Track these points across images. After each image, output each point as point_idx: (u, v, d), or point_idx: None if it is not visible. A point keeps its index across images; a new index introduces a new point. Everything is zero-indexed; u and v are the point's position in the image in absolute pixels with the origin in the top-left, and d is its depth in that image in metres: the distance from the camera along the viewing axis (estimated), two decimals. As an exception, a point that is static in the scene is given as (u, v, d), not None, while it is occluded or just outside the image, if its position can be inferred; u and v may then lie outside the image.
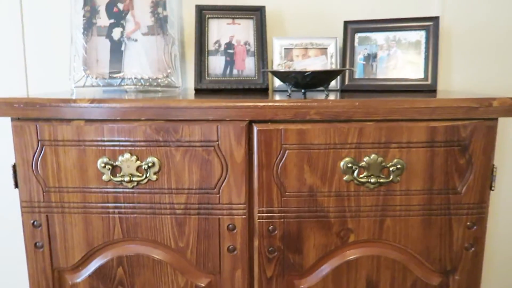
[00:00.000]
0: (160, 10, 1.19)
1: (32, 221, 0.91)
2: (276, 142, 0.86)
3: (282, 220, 0.90)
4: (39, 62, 1.34)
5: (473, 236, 0.91)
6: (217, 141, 0.87)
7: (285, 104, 0.85)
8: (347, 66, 1.19)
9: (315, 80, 0.94)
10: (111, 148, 0.88)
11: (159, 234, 0.91)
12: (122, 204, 0.90)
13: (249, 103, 0.85)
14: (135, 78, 1.16)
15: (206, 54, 1.22)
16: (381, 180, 0.87)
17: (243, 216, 0.90)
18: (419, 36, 1.15)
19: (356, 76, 1.19)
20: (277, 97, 0.96)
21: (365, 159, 0.87)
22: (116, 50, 1.16)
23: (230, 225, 0.90)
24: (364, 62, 1.19)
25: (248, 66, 1.22)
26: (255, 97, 0.94)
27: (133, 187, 0.89)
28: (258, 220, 0.90)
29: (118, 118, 0.86)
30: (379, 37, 1.18)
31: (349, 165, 0.87)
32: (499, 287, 1.46)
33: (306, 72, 0.92)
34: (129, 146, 0.88)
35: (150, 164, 0.87)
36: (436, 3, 1.29)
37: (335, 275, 0.93)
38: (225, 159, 0.87)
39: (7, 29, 1.32)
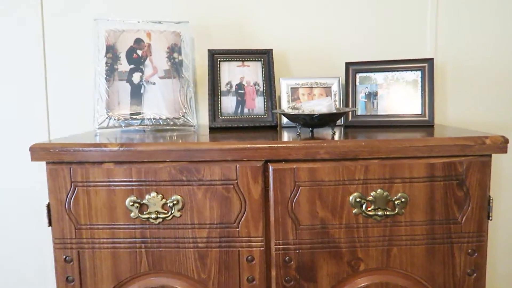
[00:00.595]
0: (175, 55, 1.29)
1: (64, 257, 0.98)
2: (290, 180, 0.95)
3: (297, 251, 0.97)
4: (60, 105, 1.44)
5: (474, 262, 0.98)
6: (236, 179, 0.95)
7: (297, 145, 0.94)
8: (350, 104, 1.28)
9: (322, 121, 1.04)
10: (139, 188, 0.96)
11: (183, 266, 0.98)
12: (149, 239, 0.97)
13: (265, 144, 0.94)
14: (153, 118, 1.24)
15: (219, 94, 1.31)
16: (387, 213, 0.95)
17: (261, 248, 0.97)
18: (416, 75, 1.25)
19: (359, 113, 1.28)
20: (286, 134, 1.04)
21: (372, 194, 0.95)
22: (136, 93, 1.26)
23: (249, 257, 0.97)
24: (366, 100, 1.28)
25: (258, 105, 1.32)
26: (266, 135, 1.02)
27: (158, 223, 0.96)
28: (275, 252, 0.97)
29: (145, 160, 0.95)
30: (378, 77, 1.28)
31: (357, 199, 0.95)
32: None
33: (314, 114, 1.02)
34: (155, 186, 0.96)
35: (174, 202, 0.95)
36: (429, 44, 1.40)
37: (347, 302, 0.99)
38: (243, 196, 0.95)
39: (31, 76, 1.43)
